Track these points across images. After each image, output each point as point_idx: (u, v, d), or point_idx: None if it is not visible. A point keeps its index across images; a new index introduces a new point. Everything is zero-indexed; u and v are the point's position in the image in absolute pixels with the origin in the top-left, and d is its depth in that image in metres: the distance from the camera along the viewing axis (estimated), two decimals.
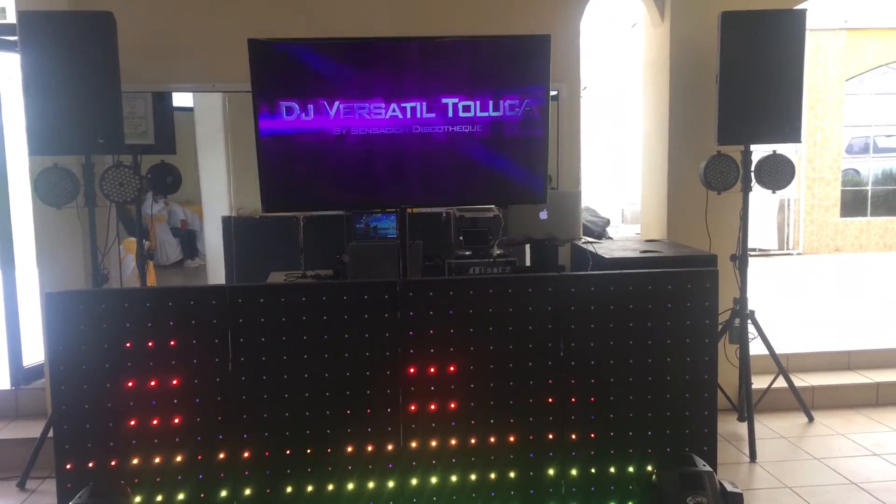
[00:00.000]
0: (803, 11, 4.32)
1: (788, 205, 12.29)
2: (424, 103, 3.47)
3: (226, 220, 6.36)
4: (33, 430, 4.33)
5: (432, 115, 3.49)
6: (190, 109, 8.48)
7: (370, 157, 3.53)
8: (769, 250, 12.13)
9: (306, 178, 3.56)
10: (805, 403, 4.86)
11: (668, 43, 4.95)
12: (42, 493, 3.99)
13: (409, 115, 3.48)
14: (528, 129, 3.56)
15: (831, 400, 5.09)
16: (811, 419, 4.84)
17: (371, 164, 3.55)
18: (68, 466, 2.94)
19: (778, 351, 5.23)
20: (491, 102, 3.52)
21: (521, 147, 3.59)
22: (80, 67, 3.89)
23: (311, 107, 3.50)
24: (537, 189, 3.63)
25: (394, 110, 3.47)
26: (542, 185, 3.63)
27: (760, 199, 10.66)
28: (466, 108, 3.50)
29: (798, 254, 12.25)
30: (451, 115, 3.50)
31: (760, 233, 12.02)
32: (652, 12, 5.11)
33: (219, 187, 8.18)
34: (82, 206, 4.15)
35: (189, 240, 11.44)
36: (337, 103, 3.50)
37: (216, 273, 6.65)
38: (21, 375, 4.78)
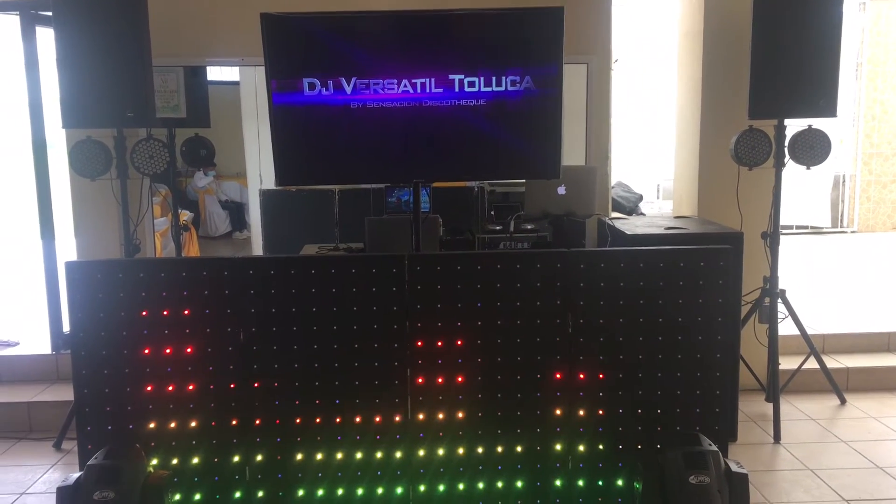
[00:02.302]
0: None
1: (843, 181, 11.88)
2: (433, 79, 3.47)
3: (263, 193, 6.48)
4: (71, 393, 4.49)
5: (440, 90, 3.48)
6: (236, 83, 8.63)
7: (383, 131, 3.55)
8: (822, 228, 11.75)
9: (320, 152, 3.60)
10: (837, 385, 4.75)
11: (702, 14, 4.82)
12: (75, 455, 4.14)
13: (418, 90, 3.48)
14: (536, 103, 3.52)
15: (867, 382, 4.96)
16: (843, 401, 4.73)
17: (384, 138, 3.57)
18: (88, 428, 3.06)
19: (815, 331, 5.15)
20: (494, 78, 3.49)
21: (528, 122, 3.55)
22: (110, 42, 3.98)
23: (330, 82, 3.53)
24: (549, 164, 3.59)
25: (405, 86, 3.47)
26: (553, 160, 3.59)
27: (813, 175, 10.31)
28: (472, 84, 3.48)
29: (852, 232, 11.85)
30: (457, 89, 3.48)
31: (813, 209, 11.66)
32: None
33: (262, 160, 8.31)
34: (115, 178, 4.27)
35: (238, 212, 11.71)
36: (354, 79, 3.51)
37: (261, 245, 6.79)
38: (61, 341, 4.98)
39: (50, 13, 4.35)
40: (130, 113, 4.04)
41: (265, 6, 3.59)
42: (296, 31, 3.51)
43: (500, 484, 3.12)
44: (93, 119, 4.05)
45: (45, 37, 4.67)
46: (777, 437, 4.21)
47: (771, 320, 4.47)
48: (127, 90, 4.02)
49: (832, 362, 4.99)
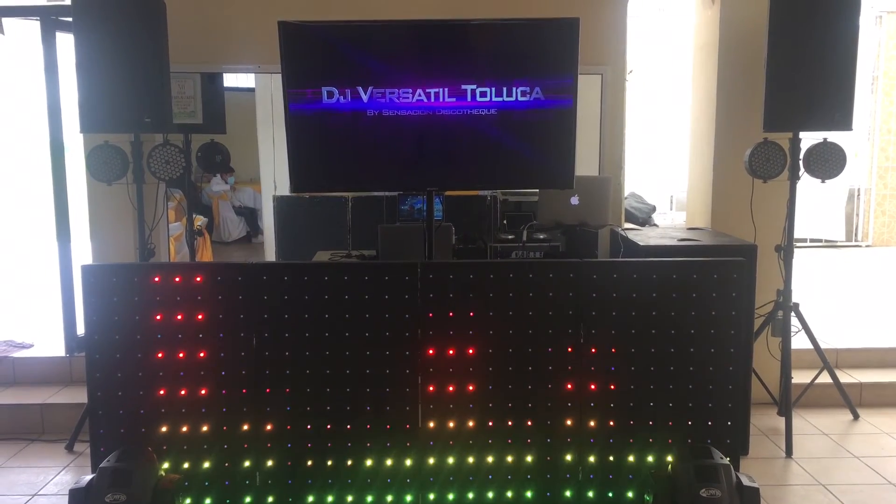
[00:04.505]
0: None
1: (858, 194, 11.81)
2: (446, 88, 3.50)
3: (277, 200, 6.51)
4: (84, 395, 4.52)
5: (453, 99, 3.51)
6: (252, 90, 8.69)
7: (398, 139, 3.58)
8: (836, 241, 11.68)
9: (335, 159, 3.63)
10: (850, 400, 4.71)
11: (717, 26, 4.82)
12: (87, 457, 4.17)
13: (432, 100, 3.51)
14: (548, 113, 3.53)
15: (880, 398, 4.92)
16: (856, 416, 4.69)
17: (398, 146, 3.59)
18: (101, 431, 3.09)
19: (828, 345, 5.12)
20: (504, 88, 3.52)
21: (541, 132, 3.57)
22: (129, 48, 4.01)
23: (347, 91, 3.56)
24: (562, 174, 3.60)
25: (419, 95, 3.50)
26: (567, 170, 3.60)
27: (828, 189, 10.21)
28: (483, 94, 3.51)
29: (867, 246, 11.78)
30: (469, 99, 3.51)
31: (828, 223, 11.59)
32: None
33: (276, 166, 8.35)
34: (131, 182, 4.30)
35: (251, 218, 11.77)
36: (370, 88, 3.54)
37: (273, 250, 6.82)
38: (75, 343, 5.01)
39: (70, 19, 4.40)
40: (148, 118, 4.07)
41: (282, 14, 3.62)
42: (313, 39, 3.54)
43: (509, 494, 3.12)
44: (110, 124, 4.08)
45: (65, 42, 4.72)
46: (789, 452, 4.19)
47: (784, 334, 4.44)
48: (144, 96, 4.05)
49: (845, 377, 4.95)
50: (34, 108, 9.34)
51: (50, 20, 4.76)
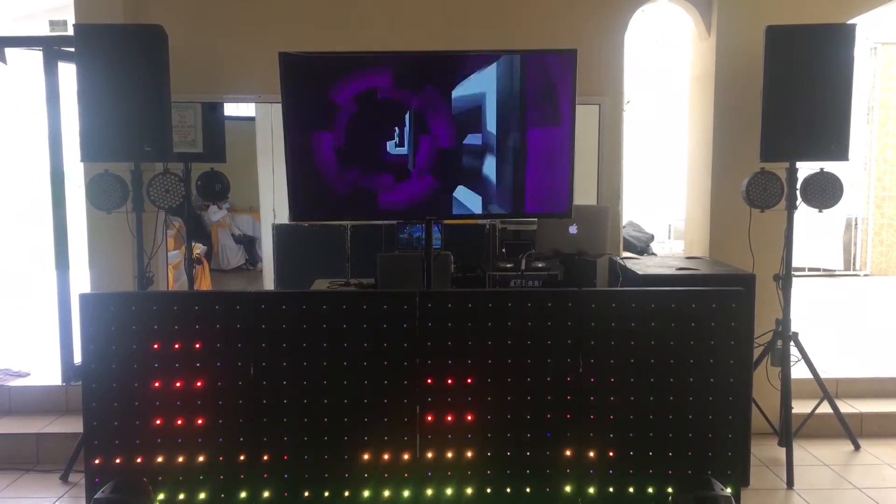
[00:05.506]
0: (853, 27, 4.18)
1: (856, 224, 11.85)
2: (445, 119, 3.53)
3: (276, 228, 6.51)
4: (80, 425, 4.48)
5: (452, 128, 3.53)
6: (252, 119, 8.71)
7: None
8: (834, 270, 11.69)
9: (335, 189, 3.64)
10: (851, 430, 4.68)
11: (713, 57, 4.87)
12: (82, 487, 4.12)
13: (430, 129, 3.54)
14: (549, 143, 3.56)
15: (881, 428, 4.89)
16: (857, 447, 4.66)
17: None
18: (96, 461, 3.06)
19: (828, 375, 5.09)
20: (504, 117, 3.55)
21: (542, 161, 3.59)
22: (130, 78, 4.05)
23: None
24: (560, 203, 3.62)
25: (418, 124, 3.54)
26: (565, 199, 3.62)
27: (826, 218, 10.26)
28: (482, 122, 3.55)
29: (865, 275, 11.78)
30: (462, 128, 3.55)
31: (825, 252, 11.61)
32: (699, 26, 5.04)
33: (275, 195, 8.34)
34: (131, 211, 4.31)
35: (250, 246, 11.76)
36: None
37: (272, 279, 6.79)
38: (72, 372, 4.98)
39: (72, 49, 4.44)
40: (148, 147, 4.10)
41: (283, 45, 3.66)
42: (313, 69, 3.57)
43: None
44: (111, 153, 4.11)
45: (67, 72, 4.76)
46: (790, 483, 4.15)
47: (783, 363, 4.43)
48: (145, 125, 4.08)
49: (846, 407, 4.93)
50: (35, 137, 9.39)
51: (52, 50, 4.80)
